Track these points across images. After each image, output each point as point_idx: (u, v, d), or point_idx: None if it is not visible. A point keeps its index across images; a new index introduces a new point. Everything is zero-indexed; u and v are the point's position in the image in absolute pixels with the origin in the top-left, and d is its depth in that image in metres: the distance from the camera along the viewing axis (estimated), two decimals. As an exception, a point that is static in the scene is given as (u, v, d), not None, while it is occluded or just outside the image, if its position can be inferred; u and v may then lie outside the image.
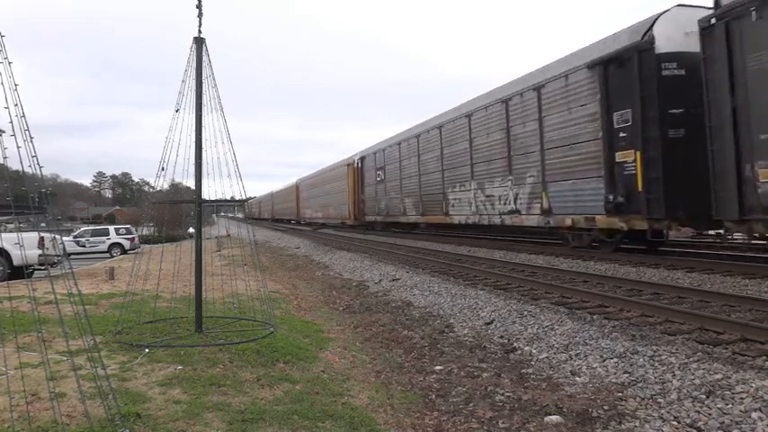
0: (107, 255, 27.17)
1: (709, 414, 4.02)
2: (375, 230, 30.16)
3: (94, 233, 29.14)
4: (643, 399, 4.50)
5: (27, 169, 3.23)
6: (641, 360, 5.22)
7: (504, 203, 15.84)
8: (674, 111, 10.47)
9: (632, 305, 7.21)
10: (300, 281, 14.04)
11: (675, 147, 10.45)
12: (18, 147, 3.14)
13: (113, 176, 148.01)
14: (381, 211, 27.23)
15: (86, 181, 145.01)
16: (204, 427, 3.80)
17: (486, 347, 6.56)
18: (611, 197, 11.49)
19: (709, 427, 3.86)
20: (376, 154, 28.23)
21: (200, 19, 6.35)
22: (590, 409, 4.38)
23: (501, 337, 6.93)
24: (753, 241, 11.01)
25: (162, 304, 8.33)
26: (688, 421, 3.99)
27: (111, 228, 30.54)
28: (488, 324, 7.55)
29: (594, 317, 6.99)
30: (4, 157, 3.22)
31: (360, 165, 31.04)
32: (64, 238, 23.33)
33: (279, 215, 64.51)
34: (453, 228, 22.01)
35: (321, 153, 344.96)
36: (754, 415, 3.87)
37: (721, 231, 10.88)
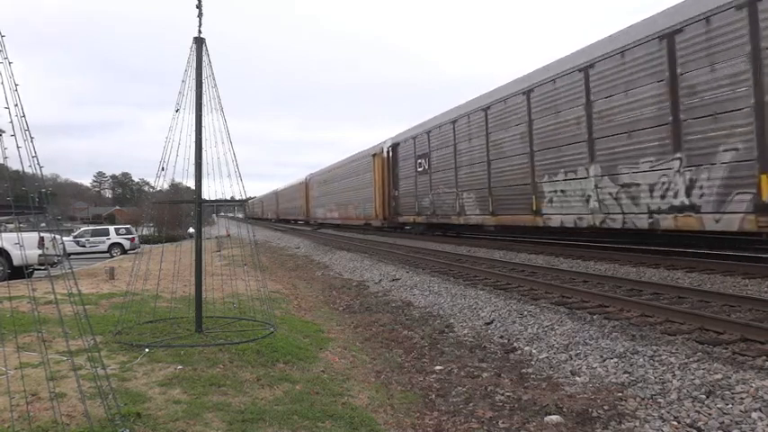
0: (107, 255, 27.18)
1: (709, 414, 4.02)
2: (414, 234, 24.68)
3: (94, 233, 29.15)
4: (643, 399, 4.50)
5: (27, 169, 3.24)
6: (641, 360, 5.22)
7: (662, 196, 10.50)
8: None
9: (632, 305, 7.21)
10: (300, 281, 14.05)
11: None
12: (18, 147, 3.14)
13: (113, 176, 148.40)
14: (424, 210, 21.42)
15: (86, 181, 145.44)
16: (204, 427, 3.80)
17: (486, 347, 6.56)
18: None
19: (709, 427, 3.85)
20: (416, 138, 22.13)
21: (201, 19, 6.36)
22: (590, 409, 4.38)
23: (501, 337, 6.93)
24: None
25: (162, 304, 8.33)
26: (688, 421, 3.99)
27: (111, 228, 30.54)
28: (488, 324, 7.55)
29: (594, 317, 6.99)
30: (5, 157, 3.22)
31: (390, 154, 25.22)
32: (64, 238, 23.35)
33: (285, 215, 58.76)
34: (549, 232, 16.18)
35: (321, 153, 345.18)
36: (754, 415, 3.87)
37: None
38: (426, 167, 21.06)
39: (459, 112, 18.61)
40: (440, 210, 20.06)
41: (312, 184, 43.13)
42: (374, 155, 27.14)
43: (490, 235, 20.16)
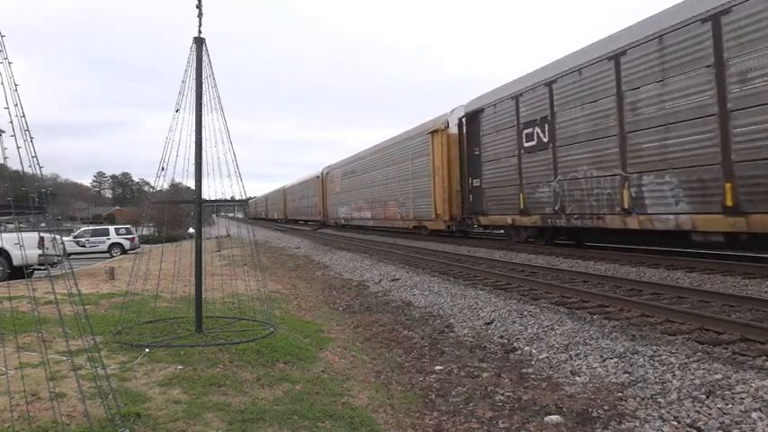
0: (107, 255, 27.19)
1: (710, 414, 4.02)
2: (512, 243, 16.54)
3: (94, 233, 29.16)
4: (643, 399, 4.50)
5: (27, 169, 3.24)
6: (641, 360, 5.22)
7: None
8: None
9: (632, 305, 7.21)
10: (300, 281, 14.05)
11: None
12: (18, 147, 3.14)
13: (113, 176, 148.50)
14: (538, 207, 14.36)
15: (86, 181, 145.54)
16: (204, 427, 3.80)
17: (486, 347, 6.56)
18: None
19: (709, 427, 3.86)
20: (519, 98, 15.01)
21: (200, 19, 6.36)
22: (590, 409, 4.38)
23: (501, 337, 6.93)
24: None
25: (162, 304, 8.33)
26: (688, 421, 3.99)
27: (111, 228, 30.55)
28: (488, 324, 7.55)
29: (594, 317, 6.99)
30: (5, 157, 3.22)
31: (464, 128, 18.41)
32: (64, 238, 23.35)
33: (294, 215, 52.22)
34: None
35: (321, 153, 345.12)
36: (754, 415, 3.87)
37: None
38: (545, 139, 13.84)
39: (631, 36, 11.24)
40: (576, 205, 12.81)
41: (331, 178, 36.57)
42: (433, 132, 20.05)
43: (715, 252, 11.80)
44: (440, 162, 19.74)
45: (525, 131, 14.81)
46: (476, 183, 17.64)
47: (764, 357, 4.89)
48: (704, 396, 4.29)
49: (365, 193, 28.66)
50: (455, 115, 19.18)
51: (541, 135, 14.11)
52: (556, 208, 13.64)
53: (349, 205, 31.95)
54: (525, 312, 7.58)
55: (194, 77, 6.45)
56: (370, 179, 27.80)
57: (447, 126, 19.58)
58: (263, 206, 75.86)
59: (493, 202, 16.73)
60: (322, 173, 39.76)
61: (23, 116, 3.16)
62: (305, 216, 47.04)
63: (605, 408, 4.39)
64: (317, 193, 40.99)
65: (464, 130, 18.40)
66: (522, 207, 15.09)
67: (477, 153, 17.52)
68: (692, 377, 4.63)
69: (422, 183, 21.25)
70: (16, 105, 3.14)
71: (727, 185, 9.32)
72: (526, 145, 14.82)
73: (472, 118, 17.84)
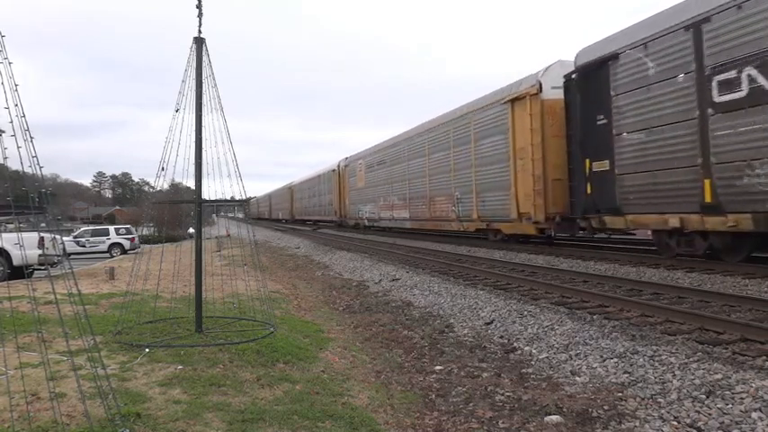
0: (107, 255, 27.19)
1: (709, 414, 4.02)
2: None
3: (94, 233, 29.16)
4: (643, 399, 4.50)
5: (27, 169, 3.24)
6: (641, 360, 5.22)
7: None
8: None
9: (632, 305, 7.22)
10: (300, 281, 14.05)
11: None
12: (18, 147, 3.14)
13: (113, 176, 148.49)
14: (752, 199, 8.94)
15: (86, 181, 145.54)
16: (204, 427, 3.80)
17: (486, 347, 6.56)
18: None
19: (709, 427, 3.86)
20: (701, 27, 9.63)
21: (201, 19, 6.36)
22: (590, 409, 4.38)
23: (501, 337, 6.93)
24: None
25: (162, 304, 8.33)
26: (688, 421, 3.99)
27: (111, 228, 30.56)
28: (488, 324, 7.55)
29: (594, 317, 6.99)
30: (5, 158, 3.22)
31: (572, 91, 13.29)
32: (64, 238, 23.35)
33: (303, 214, 47.59)
34: None
35: (321, 153, 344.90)
36: (754, 415, 3.87)
37: None
38: None
39: None
40: None
41: (351, 172, 31.47)
42: (514, 99, 14.87)
43: None
44: (525, 140, 14.40)
45: (719, 78, 9.40)
46: (599, 167, 12.17)
47: (764, 357, 4.89)
48: (704, 396, 4.29)
49: (399, 187, 23.51)
50: (553, 73, 13.78)
51: (762, 80, 8.69)
52: None
53: (376, 203, 26.69)
54: (525, 312, 7.59)
55: (194, 77, 6.45)
56: (408, 170, 22.58)
57: (539, 90, 13.98)
58: (267, 205, 71.63)
59: (637, 195, 11.30)
60: (339, 165, 34.21)
61: (23, 116, 3.16)
62: (316, 216, 41.94)
63: (605, 408, 4.39)
64: (332, 189, 35.77)
65: (574, 94, 13.08)
66: (707, 200, 9.71)
67: (601, 122, 12.07)
68: (692, 377, 4.63)
69: (493, 171, 16.14)
70: (16, 105, 3.14)
71: None
72: (720, 100, 9.39)
73: (592, 73, 12.26)
